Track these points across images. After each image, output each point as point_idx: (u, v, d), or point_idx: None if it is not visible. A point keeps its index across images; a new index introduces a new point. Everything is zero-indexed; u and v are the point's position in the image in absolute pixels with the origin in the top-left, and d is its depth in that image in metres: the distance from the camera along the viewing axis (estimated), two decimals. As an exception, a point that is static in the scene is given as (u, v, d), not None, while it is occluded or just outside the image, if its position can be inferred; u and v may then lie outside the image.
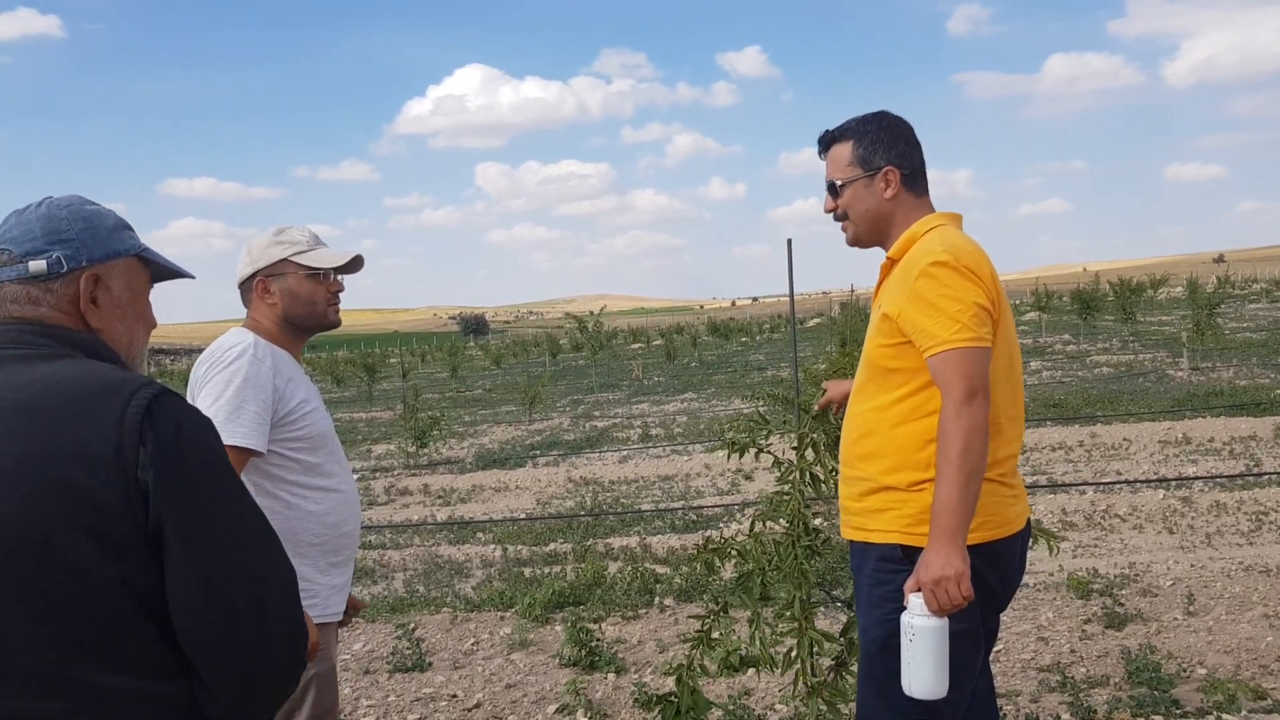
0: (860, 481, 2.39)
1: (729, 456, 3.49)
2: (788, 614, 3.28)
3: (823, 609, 4.62)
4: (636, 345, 52.12)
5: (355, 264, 2.75)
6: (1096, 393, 15.43)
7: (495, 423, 19.16)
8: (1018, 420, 2.42)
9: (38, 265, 1.47)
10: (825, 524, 3.62)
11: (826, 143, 2.51)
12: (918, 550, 2.25)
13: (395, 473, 13.15)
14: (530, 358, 49.28)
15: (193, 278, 1.78)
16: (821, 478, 3.37)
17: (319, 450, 2.59)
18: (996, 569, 2.32)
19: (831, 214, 2.52)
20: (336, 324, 2.74)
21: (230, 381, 2.42)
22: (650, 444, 14.31)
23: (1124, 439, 10.88)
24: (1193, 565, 6.13)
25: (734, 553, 3.35)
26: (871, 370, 2.40)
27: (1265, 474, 8.46)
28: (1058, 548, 3.26)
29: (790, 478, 3.36)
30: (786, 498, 3.23)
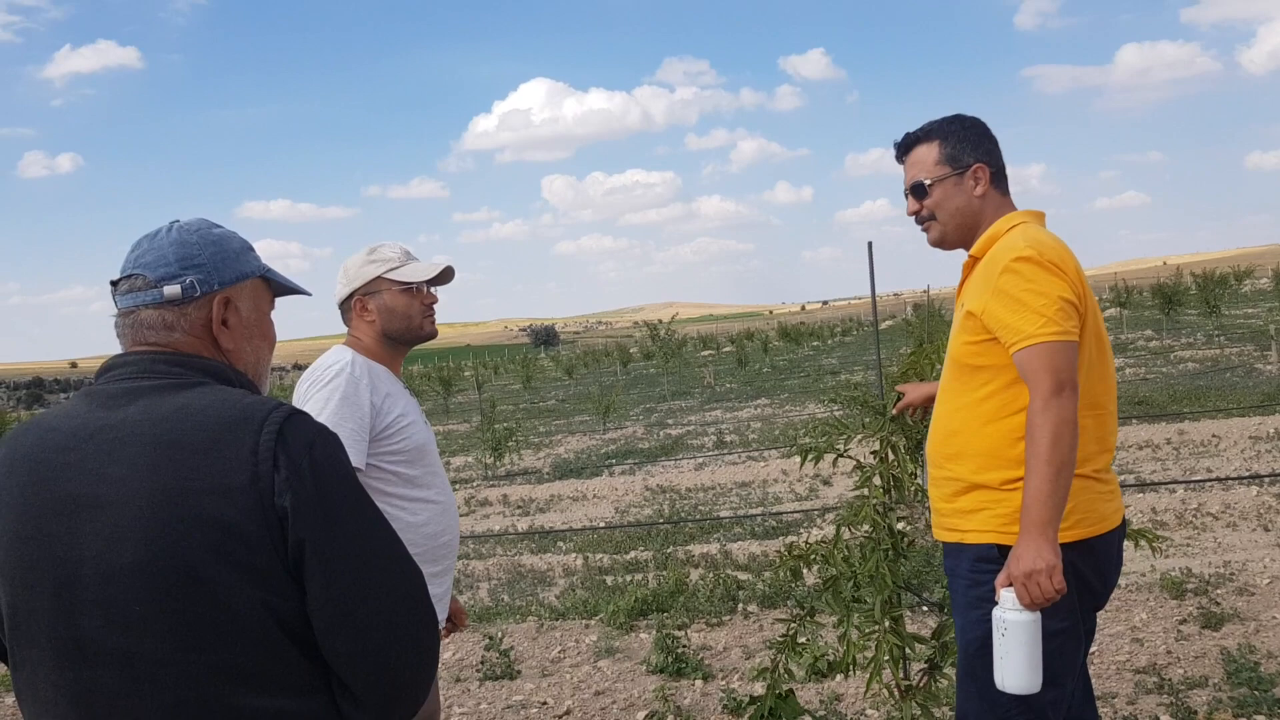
0: (951, 482, 2.39)
1: (802, 464, 3.50)
2: (872, 617, 3.28)
3: (910, 611, 4.60)
4: (707, 352, 52.08)
5: (446, 275, 2.82)
6: (1182, 389, 15.03)
7: (570, 433, 19.31)
8: (1111, 416, 2.40)
9: (172, 290, 1.50)
10: (908, 527, 3.61)
11: (908, 145, 2.51)
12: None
13: (474, 484, 13.33)
14: (601, 367, 49.56)
15: (310, 294, 1.81)
16: (903, 480, 3.37)
17: (417, 463, 2.67)
18: (1094, 566, 2.30)
19: (914, 215, 2.52)
20: (433, 335, 2.82)
21: (329, 400, 2.51)
22: (725, 451, 14.30)
23: (1213, 435, 10.59)
24: (1291, 563, 5.96)
25: (818, 558, 3.36)
26: (957, 368, 2.40)
27: (1366, 468, 8.18)
28: (1160, 548, 3.21)
29: (871, 481, 3.36)
30: (866, 501, 3.23)
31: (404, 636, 1.44)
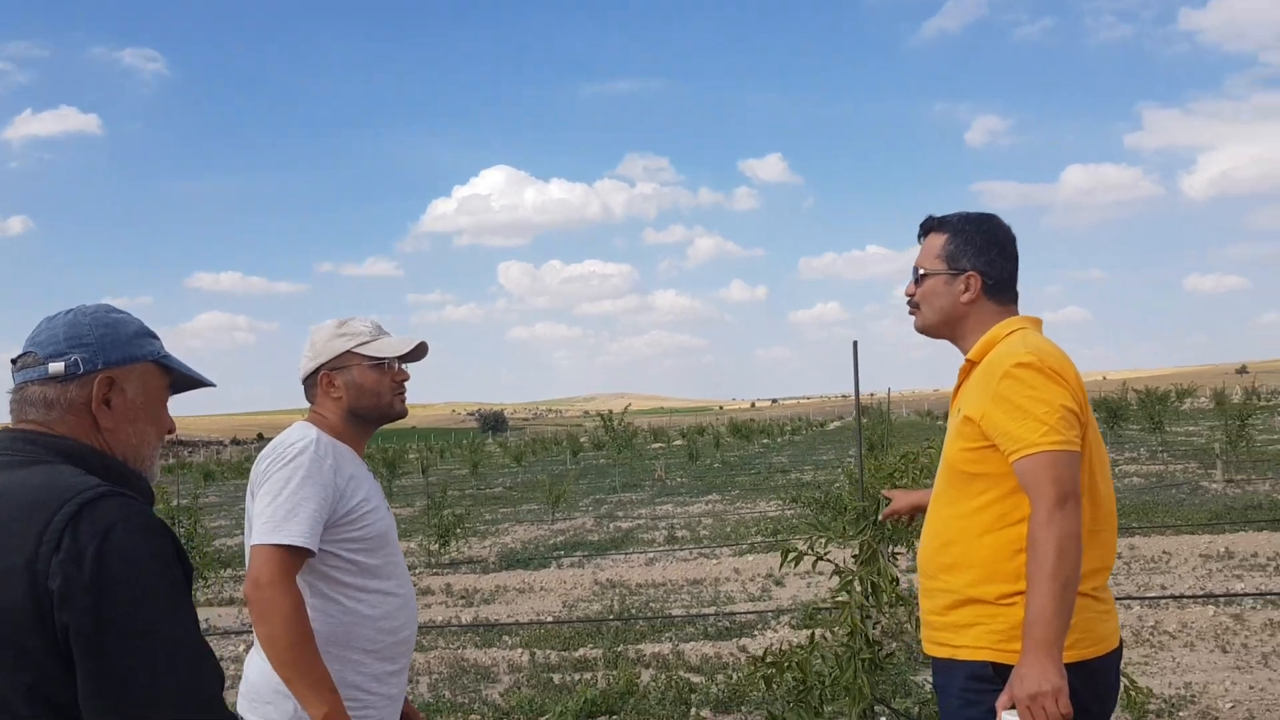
0: (944, 594, 2.28)
1: (783, 564, 3.39)
2: (848, 731, 3.14)
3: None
4: (658, 445, 51.89)
5: (420, 351, 2.70)
6: (1130, 503, 15.14)
7: (517, 521, 18.96)
8: (1110, 531, 2.32)
9: (56, 367, 1.56)
10: (886, 637, 3.49)
11: (926, 229, 2.49)
12: (1009, 668, 2.13)
13: (417, 571, 12.95)
14: (551, 455, 49.07)
15: (213, 385, 1.84)
16: (882, 586, 3.26)
17: (378, 552, 2.51)
18: (1093, 689, 2.20)
19: (909, 299, 2.49)
20: (403, 414, 2.68)
21: (290, 479, 2.36)
22: (676, 546, 14.08)
23: (1164, 551, 10.61)
24: (1251, 687, 5.88)
25: (792, 665, 3.22)
26: (953, 475, 2.31)
27: (1317, 591, 8.20)
28: (1135, 688, 3.11)
29: (851, 586, 3.25)
30: (848, 606, 3.11)
31: None
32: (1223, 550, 10.39)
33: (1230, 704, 5.56)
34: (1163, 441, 26.53)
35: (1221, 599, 8.23)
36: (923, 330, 2.50)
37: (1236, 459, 18.48)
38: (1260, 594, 8.30)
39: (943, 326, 2.45)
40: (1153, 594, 8.61)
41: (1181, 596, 8.43)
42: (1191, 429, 34.73)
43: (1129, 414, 29.47)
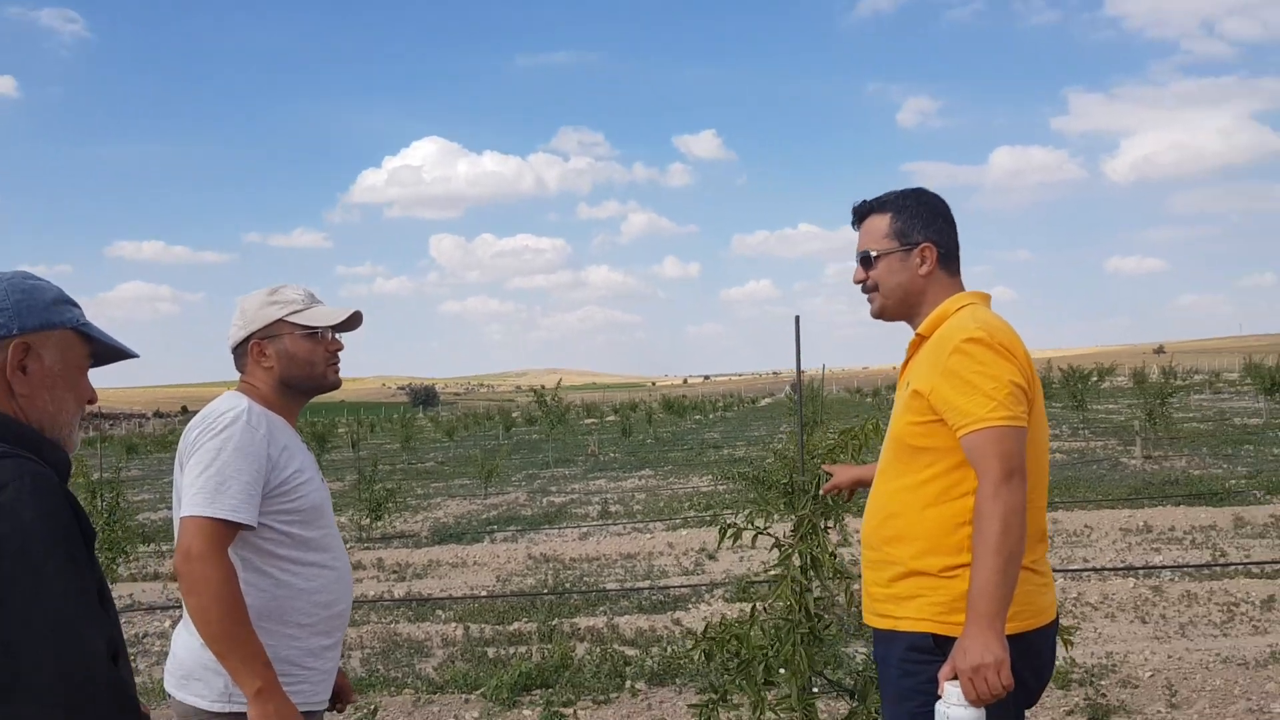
0: (887, 566, 2.29)
1: (720, 542, 3.38)
2: (787, 703, 3.15)
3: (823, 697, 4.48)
4: (591, 420, 51.87)
5: (354, 321, 2.62)
6: (1053, 479, 15.51)
7: (450, 496, 18.82)
8: (1042, 509, 2.34)
9: None
10: (821, 611, 3.51)
11: (862, 214, 2.46)
12: (950, 640, 2.14)
13: (349, 546, 12.79)
14: (483, 430, 48.77)
15: (136, 356, 1.81)
16: (822, 560, 3.27)
17: (313, 524, 2.45)
18: (1030, 661, 2.22)
19: (860, 284, 2.46)
20: (336, 385, 2.60)
21: (221, 450, 2.28)
22: (610, 520, 14.09)
23: (1085, 526, 10.89)
24: (1170, 656, 6.06)
25: (733, 639, 3.22)
26: (899, 449, 2.31)
27: (1232, 564, 8.48)
28: (1071, 641, 3.17)
29: (790, 560, 3.25)
30: (785, 580, 3.12)
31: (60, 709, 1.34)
32: (1142, 524, 10.70)
33: (1149, 673, 5.72)
34: (1084, 419, 27.22)
35: (1140, 571, 8.48)
36: (880, 314, 2.45)
37: (1155, 436, 19.03)
38: (1177, 566, 8.57)
39: (902, 306, 2.42)
40: (1075, 567, 8.83)
41: (1103, 569, 8.66)
42: (1112, 406, 35.71)
43: (1052, 392, 30.15)
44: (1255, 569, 8.26)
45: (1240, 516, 10.64)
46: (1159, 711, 5.10)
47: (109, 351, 1.73)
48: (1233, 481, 13.95)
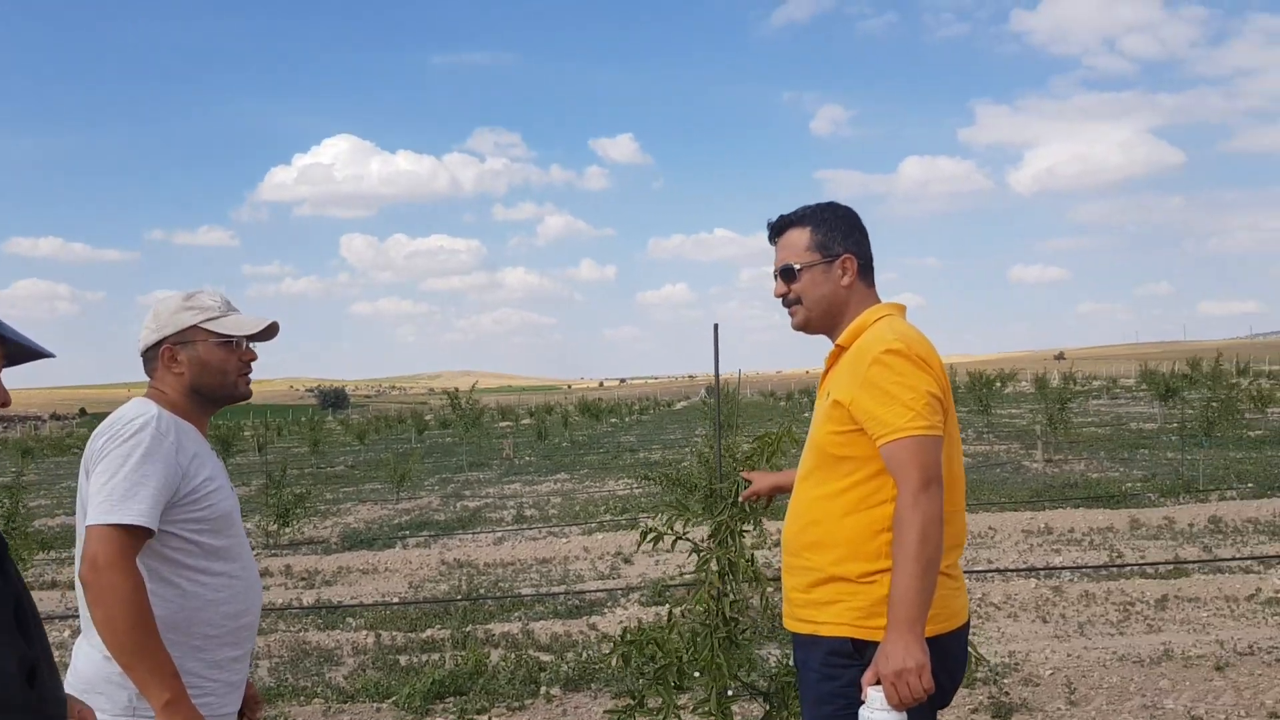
0: (807, 571, 2.32)
1: (640, 545, 3.38)
2: (704, 708, 3.17)
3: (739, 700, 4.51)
4: (505, 423, 51.54)
5: (271, 331, 2.58)
6: (960, 482, 15.91)
7: (360, 501, 18.51)
8: (961, 512, 2.41)
9: None
10: (740, 614, 3.53)
11: (780, 228, 2.49)
12: (869, 644, 2.19)
13: (255, 552, 12.47)
14: (394, 434, 48.08)
15: (52, 356, 1.72)
16: (739, 565, 3.30)
17: (221, 533, 2.40)
18: (946, 663, 2.27)
19: (782, 298, 2.48)
20: (247, 395, 2.55)
21: (129, 456, 2.22)
22: (525, 525, 14.02)
23: (989, 527, 11.19)
24: (1069, 655, 6.26)
25: (650, 644, 3.22)
26: (820, 457, 2.35)
27: (1127, 565, 8.80)
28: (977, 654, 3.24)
29: (708, 565, 3.27)
30: (703, 585, 3.14)
31: None
32: (1043, 526, 11.04)
33: (1050, 670, 5.90)
34: (989, 423, 28.00)
35: (1041, 572, 8.75)
36: (804, 326, 2.48)
37: (1055, 440, 19.66)
38: (1076, 567, 8.86)
39: (825, 318, 2.45)
40: (979, 568, 9.07)
41: (1005, 570, 8.91)
42: (1015, 411, 36.76)
43: (959, 396, 30.95)
44: (1150, 570, 8.58)
45: (1136, 519, 11.04)
46: (1059, 709, 5.26)
47: (22, 352, 1.64)
48: (1129, 485, 14.48)
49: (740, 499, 3.03)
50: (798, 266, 2.44)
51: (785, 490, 2.73)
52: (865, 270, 2.44)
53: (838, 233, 2.42)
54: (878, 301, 2.45)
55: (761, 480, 2.91)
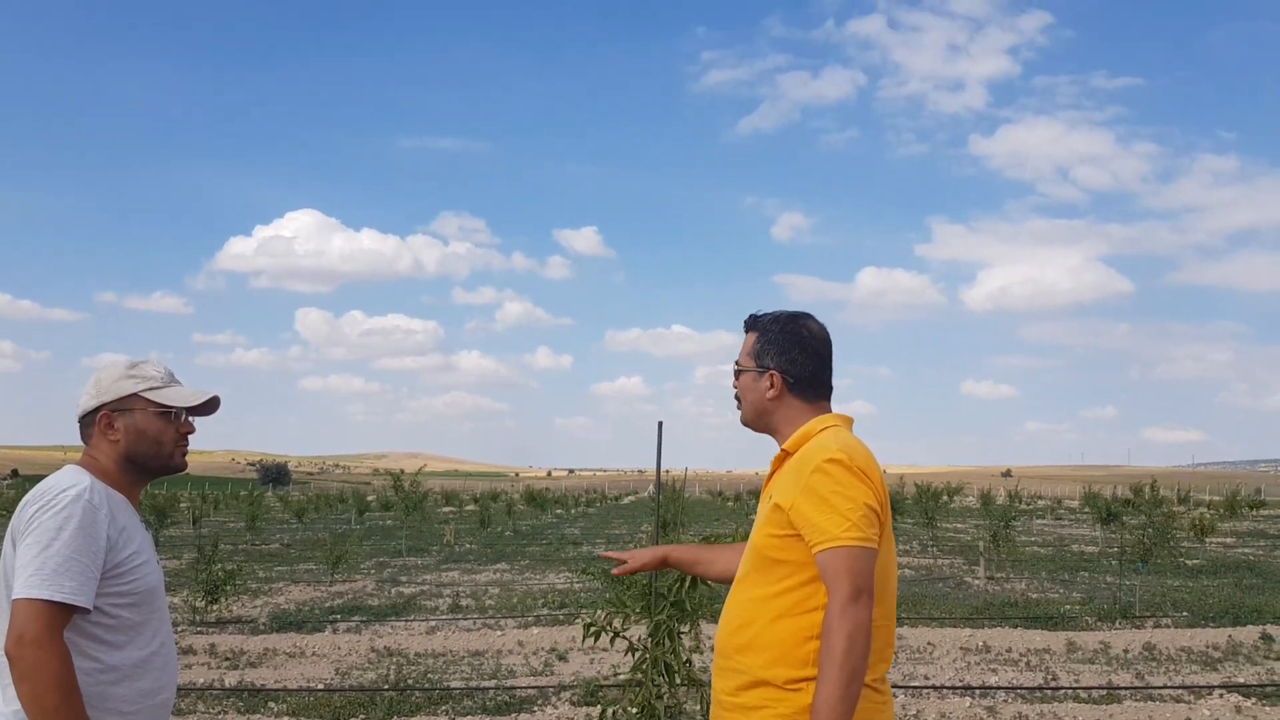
0: (737, 674, 2.32)
1: (584, 639, 3.35)
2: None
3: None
4: (449, 509, 50.84)
5: (211, 405, 2.58)
6: (901, 594, 15.87)
7: (293, 581, 18.06)
8: (891, 626, 2.42)
9: None
10: (674, 715, 3.48)
11: (747, 325, 2.62)
12: (793, 753, 2.17)
13: (180, 629, 12.09)
14: (334, 513, 47.21)
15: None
16: (675, 666, 3.27)
17: (143, 607, 2.36)
18: (870, 778, 2.25)
19: (734, 390, 2.60)
20: (182, 468, 2.54)
21: (61, 529, 2.19)
22: (460, 615, 13.74)
23: (928, 643, 11.16)
24: (1002, 776, 6.21)
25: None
26: (758, 559, 2.37)
27: (1062, 688, 8.79)
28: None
29: (644, 665, 3.24)
30: (644, 684, 3.10)
31: None
32: (981, 644, 11.03)
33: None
34: (934, 536, 28.07)
35: (977, 691, 8.71)
36: (743, 423, 2.62)
37: (998, 557, 19.75)
38: (1012, 688, 8.84)
39: (757, 420, 2.58)
40: (916, 684, 9.01)
41: (941, 687, 8.87)
42: (960, 526, 36.97)
43: (905, 508, 31.09)
44: (1084, 694, 8.58)
45: (1073, 641, 11.08)
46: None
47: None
48: (1068, 606, 14.54)
49: (614, 573, 3.05)
50: (737, 368, 2.58)
51: (671, 564, 2.91)
52: (799, 387, 2.51)
53: (774, 347, 2.52)
54: (818, 414, 2.51)
55: (637, 558, 2.96)
